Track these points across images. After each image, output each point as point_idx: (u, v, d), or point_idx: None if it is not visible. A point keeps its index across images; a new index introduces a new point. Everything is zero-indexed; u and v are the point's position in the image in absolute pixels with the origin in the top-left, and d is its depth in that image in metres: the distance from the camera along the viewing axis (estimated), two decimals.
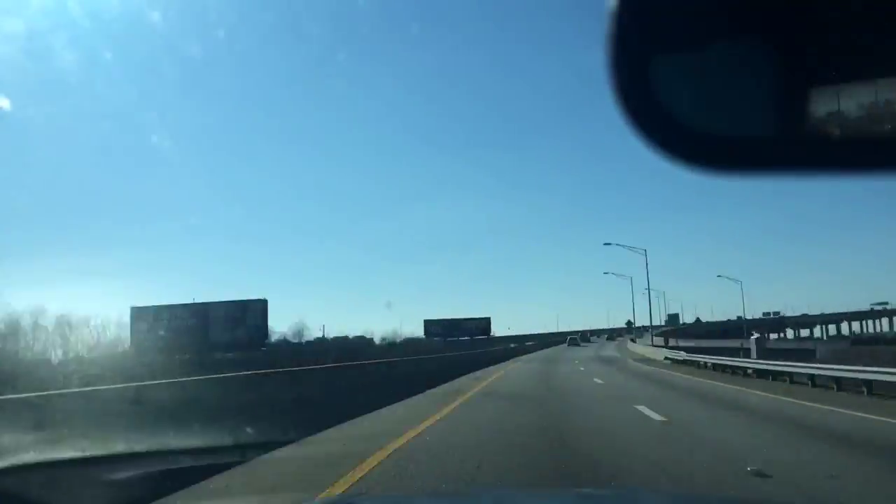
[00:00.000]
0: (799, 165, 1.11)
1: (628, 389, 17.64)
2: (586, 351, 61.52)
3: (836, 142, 1.05)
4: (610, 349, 64.19)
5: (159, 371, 17.87)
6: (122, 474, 5.38)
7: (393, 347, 64.50)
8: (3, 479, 4.77)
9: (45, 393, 6.11)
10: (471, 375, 25.15)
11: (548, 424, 9.99)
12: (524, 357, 50.69)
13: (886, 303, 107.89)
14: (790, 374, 18.09)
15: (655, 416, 10.66)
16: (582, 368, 29.81)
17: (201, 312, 64.39)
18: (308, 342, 75.54)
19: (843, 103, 1.03)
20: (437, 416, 11.07)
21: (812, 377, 16.63)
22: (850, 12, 0.99)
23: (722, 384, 18.74)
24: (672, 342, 48.05)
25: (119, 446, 5.74)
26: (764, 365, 20.54)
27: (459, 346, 59.90)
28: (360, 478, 5.98)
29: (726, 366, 23.92)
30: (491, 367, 32.54)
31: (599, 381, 20.77)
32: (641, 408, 11.84)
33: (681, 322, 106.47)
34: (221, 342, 58.63)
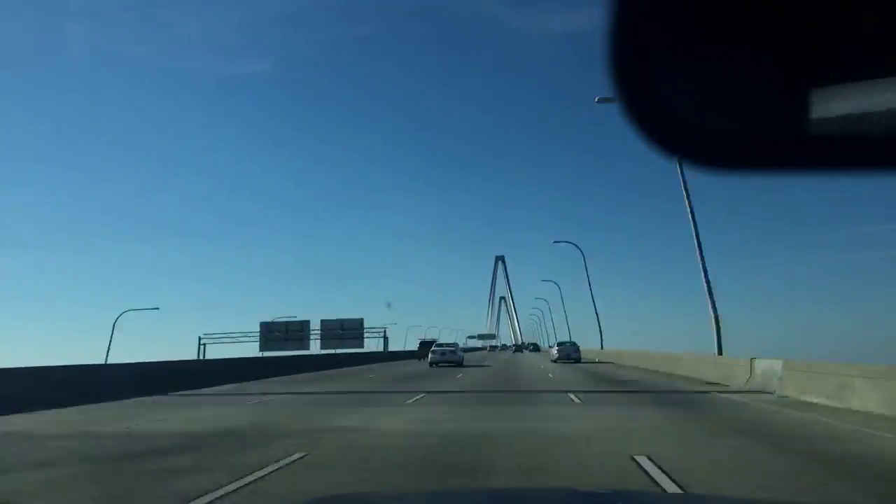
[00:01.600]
0: (799, 164, 1.11)
1: None
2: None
3: (837, 140, 1.05)
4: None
5: None
6: None
7: None
8: None
9: None
10: None
11: None
12: None
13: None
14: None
15: None
16: None
17: None
18: None
19: (844, 101, 1.02)
20: None
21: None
22: (850, 11, 0.99)
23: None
24: None
25: None
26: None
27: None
28: None
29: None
30: None
31: None
32: None
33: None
34: None
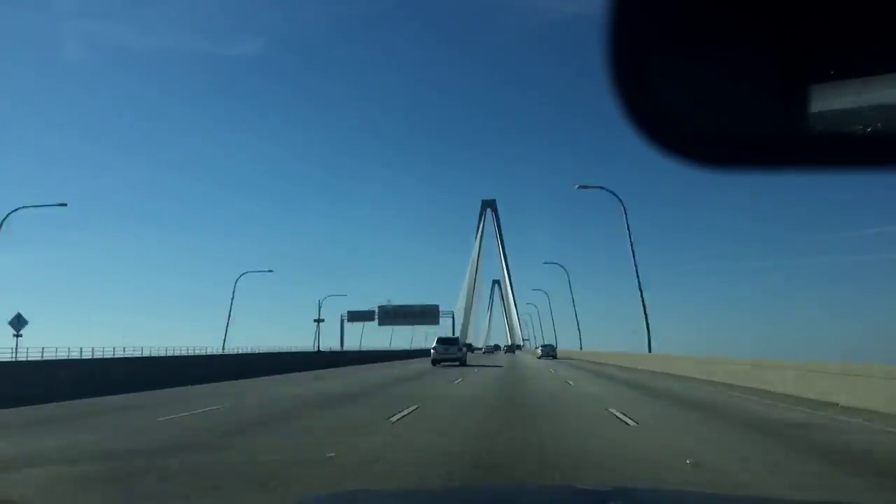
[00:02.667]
0: (798, 162, 1.11)
1: None
2: None
3: (836, 138, 1.05)
4: None
5: None
6: None
7: None
8: None
9: None
10: None
11: None
12: None
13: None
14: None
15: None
16: None
17: None
18: None
19: (842, 100, 1.03)
20: None
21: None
22: (848, 8, 0.99)
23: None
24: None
25: None
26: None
27: None
28: None
29: None
30: None
31: None
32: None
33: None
34: None
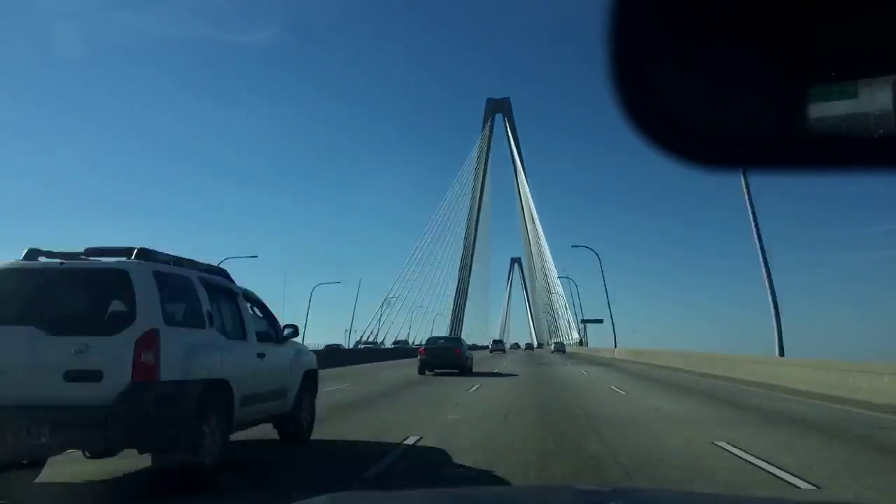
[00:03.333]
0: (799, 163, 1.11)
1: None
2: None
3: (836, 139, 1.05)
4: None
5: None
6: None
7: None
8: None
9: None
10: None
11: None
12: None
13: None
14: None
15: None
16: None
17: None
18: None
19: (842, 101, 1.03)
20: None
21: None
22: (849, 10, 0.99)
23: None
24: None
25: None
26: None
27: None
28: None
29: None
30: None
31: None
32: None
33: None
34: None
